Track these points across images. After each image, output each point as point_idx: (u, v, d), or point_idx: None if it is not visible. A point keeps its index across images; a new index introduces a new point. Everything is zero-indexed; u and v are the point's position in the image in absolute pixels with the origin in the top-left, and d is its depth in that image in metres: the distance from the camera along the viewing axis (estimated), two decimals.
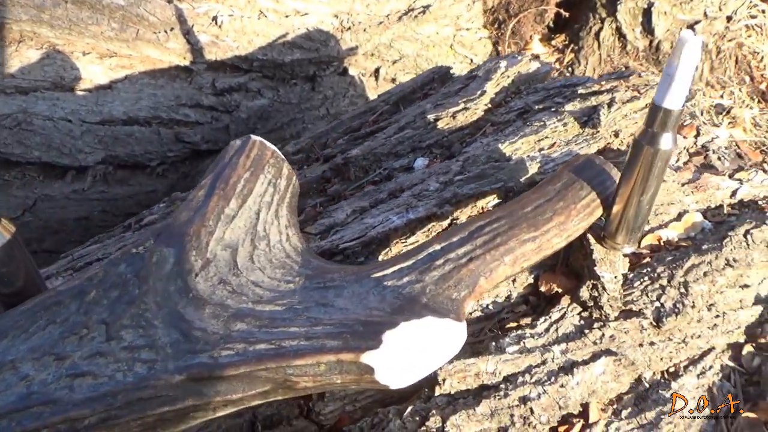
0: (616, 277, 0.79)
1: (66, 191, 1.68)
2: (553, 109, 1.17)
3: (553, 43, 3.53)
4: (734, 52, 3.41)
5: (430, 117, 1.15)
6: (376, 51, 2.36)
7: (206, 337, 0.54)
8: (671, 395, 0.73)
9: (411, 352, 0.55)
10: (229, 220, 0.64)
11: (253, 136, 0.72)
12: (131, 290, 0.55)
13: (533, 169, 1.00)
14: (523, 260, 0.69)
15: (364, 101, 2.32)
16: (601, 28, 3.19)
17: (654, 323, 0.77)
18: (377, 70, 2.39)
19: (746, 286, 0.90)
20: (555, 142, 1.07)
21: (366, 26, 2.31)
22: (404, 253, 0.68)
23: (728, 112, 2.96)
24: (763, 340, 0.87)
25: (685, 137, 1.18)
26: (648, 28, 3.13)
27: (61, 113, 1.65)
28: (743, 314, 0.87)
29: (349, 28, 2.27)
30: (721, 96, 3.15)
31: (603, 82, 1.24)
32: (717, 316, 0.84)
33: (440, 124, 1.15)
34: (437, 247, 0.68)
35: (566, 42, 3.48)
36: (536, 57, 1.42)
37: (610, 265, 0.80)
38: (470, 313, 0.78)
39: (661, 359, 0.77)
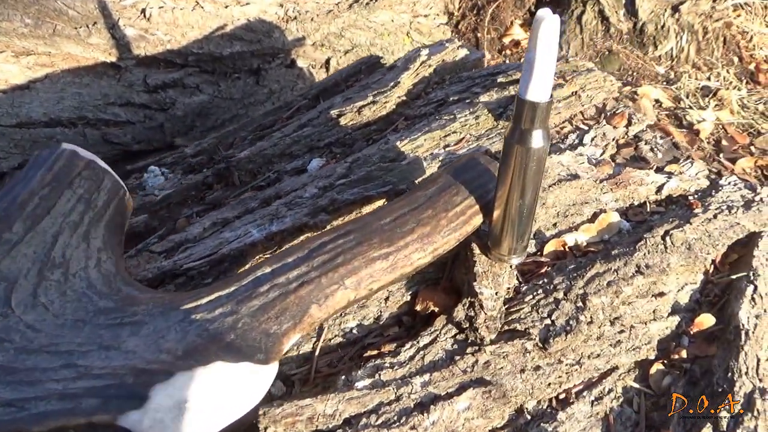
0: (497, 293, 0.69)
1: None
2: (468, 101, 1.07)
3: None
4: (722, 32, 3.29)
5: (334, 113, 1.05)
6: (326, 41, 2.26)
7: None
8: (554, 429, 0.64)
9: (190, 406, 0.46)
10: (9, 247, 0.55)
11: (65, 144, 0.63)
12: None
13: (432, 168, 0.90)
14: (371, 282, 0.60)
15: None
16: (583, 12, 3.09)
17: (540, 344, 0.68)
18: (328, 61, 2.28)
19: (661, 294, 0.81)
20: (464, 137, 0.97)
21: (314, 15, 2.20)
22: (228, 278, 0.59)
23: (715, 94, 2.85)
24: (677, 356, 0.77)
25: (615, 127, 1.08)
26: (631, 11, 3.03)
27: None
28: (656, 327, 0.78)
29: (295, 18, 2.16)
30: (708, 78, 3.04)
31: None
32: (622, 331, 0.75)
33: (343, 121, 1.05)
34: (267, 270, 0.58)
35: None
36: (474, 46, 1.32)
37: (493, 279, 0.71)
38: (329, 339, 0.69)
39: (549, 385, 0.68)
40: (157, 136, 1.88)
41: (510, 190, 0.65)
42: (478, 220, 0.70)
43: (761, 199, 0.99)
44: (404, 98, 1.13)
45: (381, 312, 0.72)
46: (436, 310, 0.71)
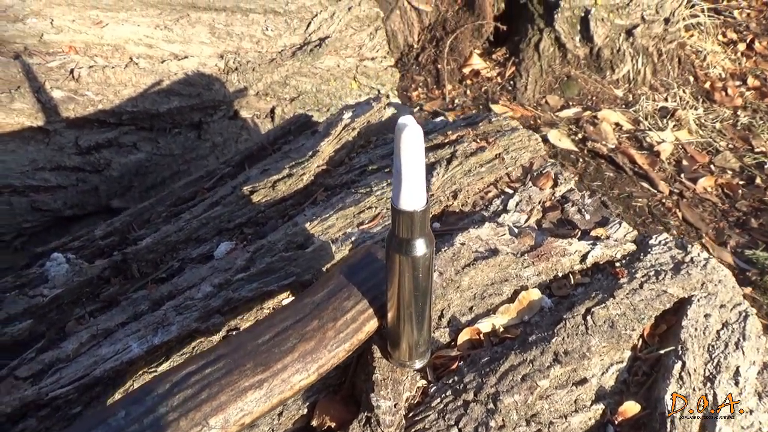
0: (396, 405, 0.64)
1: None
2: (387, 170, 1.03)
3: (494, 57, 3.44)
4: (676, 53, 3.35)
5: (246, 189, 1.00)
6: (270, 90, 2.22)
7: None
8: None
9: None
10: None
11: None
12: None
13: (343, 251, 0.85)
14: (241, 417, 0.54)
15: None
16: (540, 39, 3.12)
17: None
18: (273, 110, 2.24)
19: (583, 381, 0.76)
20: (379, 213, 0.93)
21: (255, 65, 2.16)
22: (79, 421, 0.52)
23: (673, 115, 2.88)
24: None
25: (541, 189, 1.04)
26: (587, 36, 3.07)
27: None
28: (577, 419, 0.73)
29: (236, 69, 2.12)
30: (666, 99, 3.08)
31: (449, 132, 1.10)
32: (539, 430, 0.70)
33: (256, 197, 1.00)
34: (121, 413, 0.52)
35: (507, 55, 3.40)
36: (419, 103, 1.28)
37: (393, 388, 0.65)
38: None
39: None
40: (91, 199, 1.80)
41: (399, 297, 0.60)
42: (373, 325, 0.65)
43: (691, 259, 0.97)
44: (325, 167, 1.09)
45: (274, 430, 0.66)
46: (333, 425, 0.65)
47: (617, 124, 2.88)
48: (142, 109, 1.86)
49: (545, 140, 2.63)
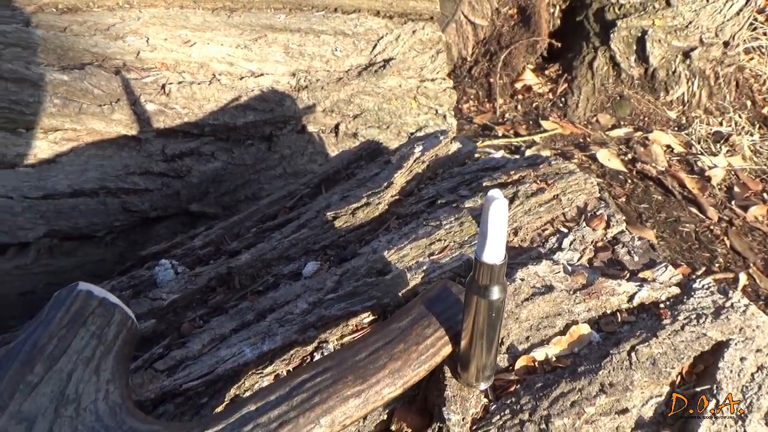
0: (463, 419, 0.76)
1: (8, 267, 1.70)
2: (454, 204, 1.15)
3: (546, 73, 3.49)
4: (734, 77, 3.33)
5: (329, 215, 1.14)
6: (336, 107, 2.36)
7: None
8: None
9: None
10: (31, 389, 0.63)
11: (81, 285, 0.72)
12: None
13: (416, 279, 0.98)
14: (344, 419, 0.67)
15: (323, 158, 2.33)
16: (594, 57, 3.14)
17: None
18: (337, 126, 2.39)
19: (625, 410, 0.86)
20: (448, 245, 1.05)
21: (324, 84, 2.31)
22: (221, 412, 0.67)
23: (727, 140, 2.87)
24: None
25: (594, 229, 1.15)
26: (642, 56, 3.08)
27: (1, 190, 1.67)
28: None
29: (306, 87, 2.28)
30: (720, 123, 3.07)
31: (512, 172, 1.22)
32: None
33: (338, 223, 1.13)
34: (252, 408, 0.66)
35: (559, 72, 3.45)
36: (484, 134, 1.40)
37: (461, 404, 0.77)
38: None
39: None
40: (173, 203, 1.98)
41: (473, 330, 0.72)
42: (447, 350, 0.77)
43: (731, 305, 1.05)
44: (397, 197, 1.22)
45: (360, 431, 0.79)
46: (409, 431, 0.77)
47: (668, 147, 2.84)
48: (221, 122, 2.04)
49: (594, 159, 2.66)
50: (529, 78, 3.40)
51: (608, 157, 2.63)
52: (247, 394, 0.81)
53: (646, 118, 3.09)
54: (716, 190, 2.46)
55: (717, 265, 1.93)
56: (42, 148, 1.77)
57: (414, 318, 0.77)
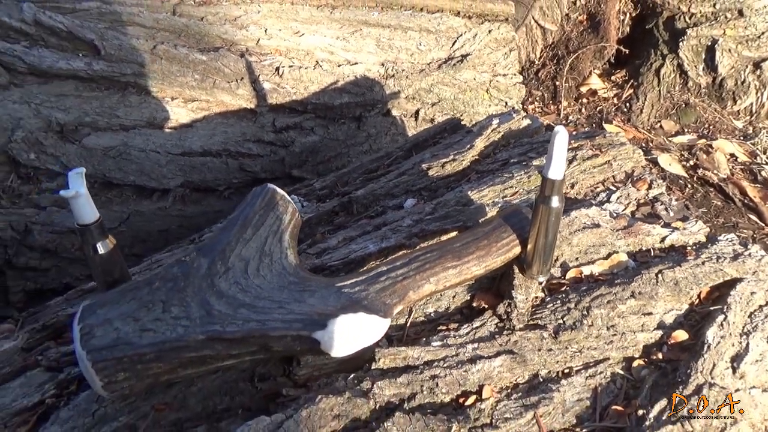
0: (527, 298, 1.06)
1: (152, 208, 2.11)
2: (524, 163, 1.44)
3: (612, 78, 3.65)
4: None
5: (424, 166, 1.46)
6: (417, 95, 2.69)
7: (221, 315, 0.88)
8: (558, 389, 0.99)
9: (346, 334, 0.86)
10: (246, 242, 0.98)
11: (269, 185, 1.06)
12: (179, 283, 0.90)
13: (492, 212, 1.28)
14: (444, 281, 0.99)
15: (403, 139, 2.65)
16: (662, 65, 3.23)
17: (553, 335, 1.04)
18: (417, 112, 2.71)
19: (649, 313, 1.14)
20: (517, 191, 1.35)
21: (408, 73, 2.64)
22: (362, 270, 0.99)
23: None
24: (655, 357, 1.10)
25: (638, 189, 1.41)
26: (711, 66, 3.15)
27: (152, 146, 2.09)
28: (642, 336, 1.11)
29: (393, 75, 2.61)
30: None
31: (572, 141, 1.50)
32: (615, 334, 1.09)
33: (431, 172, 1.45)
34: (384, 268, 0.98)
35: (626, 77, 3.59)
36: (528, 115, 1.69)
37: (525, 289, 1.07)
38: (415, 318, 1.08)
39: (557, 362, 1.03)
40: (278, 168, 2.36)
41: (538, 232, 1.02)
42: (517, 250, 1.07)
43: (749, 253, 1.30)
44: (477, 157, 1.52)
45: (450, 305, 1.10)
46: (486, 306, 1.08)
47: (732, 155, 2.79)
48: (321, 102, 2.40)
49: (655, 163, 2.77)
50: (595, 82, 3.54)
51: (669, 162, 2.56)
52: None
53: (711, 127, 3.14)
54: None
55: None
56: (182, 114, 2.18)
57: (494, 226, 1.07)
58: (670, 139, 3.17)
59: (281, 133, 2.37)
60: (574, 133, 1.58)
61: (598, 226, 1.26)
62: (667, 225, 1.34)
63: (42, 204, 1.90)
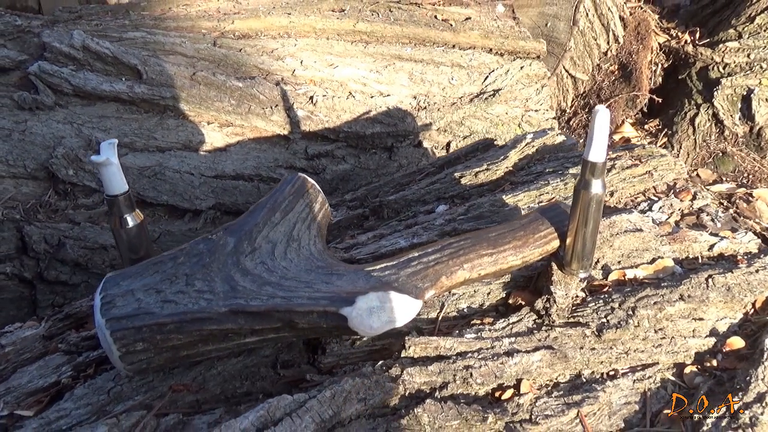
0: (566, 294, 1.00)
1: (183, 229, 2.12)
2: (560, 172, 1.40)
3: (646, 127, 3.62)
4: None
5: (457, 175, 1.43)
6: (449, 127, 2.69)
7: (245, 291, 0.84)
8: (602, 389, 0.91)
9: (374, 312, 0.81)
10: (274, 225, 0.95)
11: (299, 174, 1.05)
12: (204, 259, 0.87)
13: None
14: (479, 269, 0.93)
15: None
16: (696, 114, 3.18)
17: (596, 333, 0.97)
18: (448, 144, 2.71)
19: (700, 319, 1.06)
20: (553, 197, 1.30)
21: (440, 106, 2.66)
22: (392, 256, 0.95)
23: None
24: (709, 365, 1.01)
25: (681, 200, 1.35)
26: (748, 114, 3.10)
27: (186, 168, 2.12)
28: (694, 342, 1.03)
29: (425, 108, 2.63)
30: None
31: (611, 153, 1.46)
32: (663, 338, 1.01)
33: (464, 181, 1.42)
34: (415, 254, 0.94)
35: (659, 126, 3.55)
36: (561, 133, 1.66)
37: (564, 285, 1.01)
38: (448, 313, 1.02)
39: (601, 363, 0.95)
40: None
41: (578, 222, 0.97)
42: (555, 243, 1.02)
43: None
44: (511, 169, 1.49)
45: (484, 301, 1.04)
46: (523, 303, 1.02)
47: None
48: (354, 131, 2.42)
49: None
50: (628, 130, 3.51)
51: None
52: None
53: (750, 176, 3.06)
54: None
55: None
56: (217, 138, 2.22)
57: (532, 218, 1.03)
58: (707, 187, 3.11)
59: (313, 160, 2.39)
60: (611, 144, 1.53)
61: (640, 230, 1.20)
62: (715, 234, 1.27)
63: (77, 219, 1.93)
